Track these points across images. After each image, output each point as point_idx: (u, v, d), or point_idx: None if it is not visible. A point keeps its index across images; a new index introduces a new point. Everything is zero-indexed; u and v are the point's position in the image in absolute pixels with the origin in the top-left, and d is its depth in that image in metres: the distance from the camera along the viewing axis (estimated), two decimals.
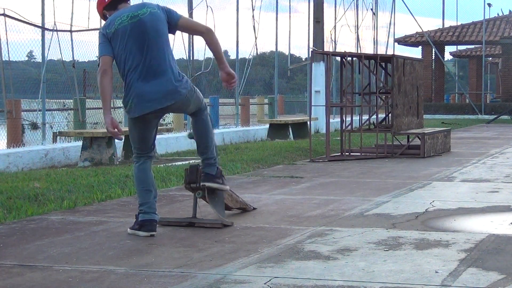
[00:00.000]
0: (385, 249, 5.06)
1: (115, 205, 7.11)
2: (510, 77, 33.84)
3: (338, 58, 14.01)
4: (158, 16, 5.58)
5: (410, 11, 30.68)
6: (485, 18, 34.80)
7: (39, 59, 13.38)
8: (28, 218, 6.38)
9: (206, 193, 5.90)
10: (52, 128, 15.12)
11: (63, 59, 13.76)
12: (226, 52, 28.12)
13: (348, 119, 13.27)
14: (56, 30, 13.19)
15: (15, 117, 13.20)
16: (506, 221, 6.26)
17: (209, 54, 17.24)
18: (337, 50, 22.56)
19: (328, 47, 22.58)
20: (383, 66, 13.65)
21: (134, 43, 5.52)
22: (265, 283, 4.18)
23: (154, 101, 5.53)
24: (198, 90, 5.80)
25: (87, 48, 15.09)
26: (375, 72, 12.98)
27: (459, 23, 37.60)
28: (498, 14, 38.67)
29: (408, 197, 7.65)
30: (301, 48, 25.79)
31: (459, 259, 4.77)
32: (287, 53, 22.97)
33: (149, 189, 5.66)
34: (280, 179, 9.22)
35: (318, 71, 19.45)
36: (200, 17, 16.73)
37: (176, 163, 10.73)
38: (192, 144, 14.31)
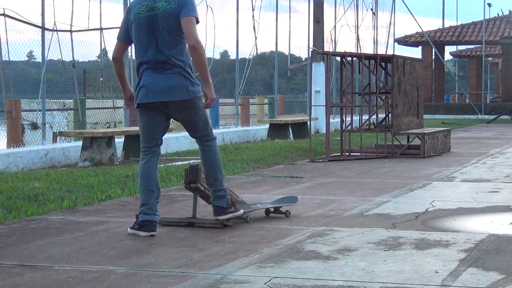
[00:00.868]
0: (385, 249, 5.06)
1: (115, 205, 7.11)
2: (510, 77, 33.85)
3: (338, 58, 14.02)
4: (172, 12, 5.63)
5: (410, 11, 30.71)
6: (485, 18, 34.81)
7: (39, 59, 13.38)
8: (28, 218, 6.38)
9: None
10: (52, 128, 15.12)
11: (63, 59, 13.76)
12: (226, 52, 28.13)
13: (348, 119, 13.27)
14: (56, 30, 13.19)
15: (15, 117, 13.20)
16: (506, 221, 6.26)
17: (209, 54, 17.25)
18: (337, 50, 22.56)
19: (328, 47, 22.59)
20: (383, 66, 13.65)
21: (146, 36, 5.65)
22: (265, 283, 4.18)
23: (158, 92, 5.61)
24: (208, 115, 5.86)
25: (87, 48, 15.10)
26: (375, 72, 12.98)
27: (459, 23, 37.63)
28: (498, 14, 38.68)
29: (408, 197, 7.65)
30: (301, 48, 25.78)
31: (459, 259, 4.77)
32: (287, 53, 22.98)
33: (152, 189, 5.67)
34: (280, 179, 9.22)
35: (318, 71, 19.45)
36: (200, 17, 16.71)
37: (176, 163, 10.73)
38: (192, 144, 14.32)
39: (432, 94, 35.49)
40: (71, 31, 13.82)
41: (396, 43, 31.69)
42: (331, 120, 14.01)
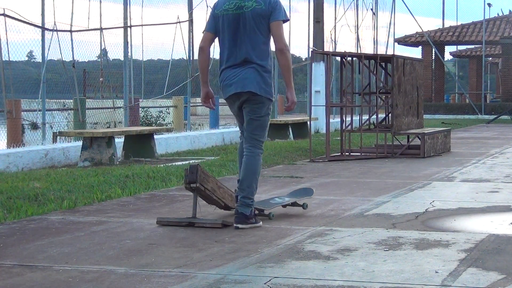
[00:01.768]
0: (385, 249, 5.06)
1: (115, 205, 7.11)
2: (510, 77, 33.84)
3: (338, 58, 14.01)
4: (261, 12, 5.80)
5: (410, 11, 30.69)
6: (485, 18, 34.81)
7: (39, 59, 13.39)
8: (28, 218, 6.38)
9: None
10: (52, 128, 15.13)
11: (63, 59, 13.76)
12: None
13: (348, 119, 13.27)
14: (56, 30, 13.19)
15: (15, 117, 13.20)
16: (506, 221, 6.26)
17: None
18: (337, 50, 22.56)
19: (328, 47, 22.58)
20: (383, 66, 13.65)
21: (231, 34, 5.86)
22: (265, 283, 4.18)
23: (234, 85, 5.88)
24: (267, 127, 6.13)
25: (87, 48, 15.11)
26: (375, 72, 12.98)
27: (459, 23, 37.62)
28: (498, 14, 38.67)
29: (408, 197, 7.65)
30: (301, 48, 25.80)
31: (459, 259, 4.77)
32: None
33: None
34: (280, 179, 9.22)
35: (318, 71, 19.45)
36: (200, 17, 16.73)
37: (176, 163, 10.72)
38: (192, 144, 14.32)
39: (432, 94, 35.48)
40: (71, 31, 13.82)
41: (396, 43, 31.70)
42: (331, 120, 14.01)
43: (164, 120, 21.58)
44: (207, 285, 4.17)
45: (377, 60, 13.12)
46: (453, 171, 10.20)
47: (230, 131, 16.87)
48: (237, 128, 17.83)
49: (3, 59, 12.21)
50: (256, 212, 6.05)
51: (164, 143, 13.44)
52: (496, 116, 29.07)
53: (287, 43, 6.08)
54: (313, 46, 20.35)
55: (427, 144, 12.47)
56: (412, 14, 31.15)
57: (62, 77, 15.96)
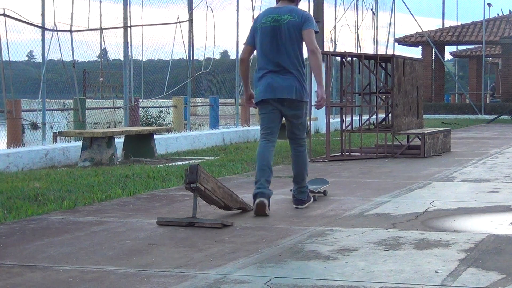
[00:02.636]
0: (385, 249, 5.06)
1: (115, 205, 7.11)
2: (510, 77, 33.85)
3: (338, 58, 14.01)
4: (296, 24, 6.56)
5: (410, 11, 30.71)
6: (485, 18, 34.81)
7: (39, 59, 13.37)
8: (28, 218, 6.38)
9: None
10: (52, 128, 15.13)
11: (63, 59, 13.76)
12: (226, 52, 28.12)
13: (348, 119, 13.26)
14: (56, 30, 13.19)
15: (15, 117, 13.20)
16: (506, 221, 6.26)
17: (209, 54, 17.25)
18: (337, 50, 22.56)
19: (328, 47, 22.58)
20: (383, 66, 13.65)
21: (269, 43, 6.59)
22: (265, 283, 4.18)
23: (277, 90, 6.55)
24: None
25: (87, 48, 15.10)
26: (375, 72, 12.98)
27: (459, 23, 37.61)
28: (498, 14, 38.66)
29: (408, 197, 7.65)
30: None
31: (459, 259, 4.77)
32: None
33: (264, 169, 6.52)
34: (280, 179, 9.21)
35: None
36: (200, 17, 16.73)
37: (176, 163, 10.73)
38: (192, 144, 14.33)
39: (432, 94, 35.49)
40: (71, 31, 13.82)
41: (396, 43, 31.70)
42: (331, 120, 14.01)
43: (164, 120, 21.57)
44: (207, 285, 4.17)
45: (377, 60, 13.12)
46: (453, 171, 10.20)
47: (230, 131, 16.87)
48: (237, 128, 17.96)
49: (3, 59, 12.21)
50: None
51: (164, 143, 13.44)
52: (496, 116, 29.07)
53: (317, 46, 6.61)
54: None
55: (427, 144, 12.48)
56: (412, 14, 31.19)
57: (62, 77, 15.96)
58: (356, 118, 15.26)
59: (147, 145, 12.01)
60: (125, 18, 14.03)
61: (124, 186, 8.15)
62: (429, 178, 9.40)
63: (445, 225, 6.03)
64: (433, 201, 7.29)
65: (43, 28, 12.50)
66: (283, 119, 6.74)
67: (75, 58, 14.08)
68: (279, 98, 6.56)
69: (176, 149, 13.68)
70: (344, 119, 12.87)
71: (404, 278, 4.30)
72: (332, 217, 6.42)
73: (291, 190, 7.04)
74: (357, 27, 26.06)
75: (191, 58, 16.35)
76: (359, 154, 12.47)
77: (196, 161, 11.23)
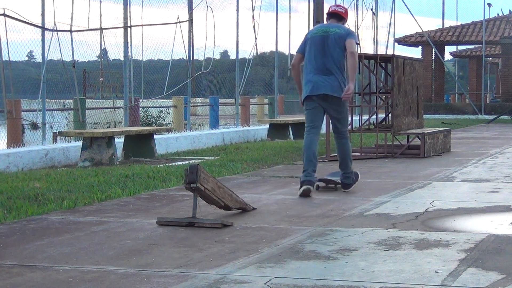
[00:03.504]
0: (385, 249, 5.06)
1: (115, 205, 7.11)
2: (510, 77, 33.83)
3: None
4: (341, 35, 7.81)
5: (410, 11, 30.69)
6: (485, 18, 34.78)
7: (39, 59, 13.38)
8: (28, 218, 6.38)
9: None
10: (52, 128, 15.13)
11: (63, 59, 13.76)
12: (226, 52, 28.13)
13: (348, 119, 13.24)
14: (56, 30, 13.19)
15: (15, 117, 13.20)
16: (506, 221, 6.26)
17: (209, 54, 17.25)
18: None
19: None
20: (383, 66, 13.65)
21: (318, 50, 7.82)
22: (265, 283, 4.18)
23: (321, 88, 7.74)
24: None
25: (87, 48, 15.10)
26: (375, 72, 12.97)
27: (459, 23, 37.58)
28: (498, 14, 38.64)
29: (408, 197, 7.66)
30: None
31: (459, 259, 4.77)
32: (287, 53, 22.96)
33: (311, 159, 7.68)
34: (280, 179, 9.22)
35: None
36: (200, 17, 16.73)
37: (176, 163, 10.73)
38: (192, 144, 14.33)
39: (432, 94, 35.47)
40: (71, 31, 13.81)
41: (396, 43, 31.70)
42: None
43: (164, 120, 21.58)
44: (207, 285, 4.18)
45: (377, 60, 13.12)
46: (453, 171, 10.20)
47: (230, 131, 16.87)
48: (237, 128, 17.98)
49: (3, 59, 12.21)
50: (323, 185, 8.17)
51: (164, 143, 13.44)
52: (496, 116, 29.06)
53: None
54: None
55: (427, 144, 12.47)
56: (412, 14, 31.17)
57: (62, 77, 15.96)
58: (356, 118, 15.27)
59: (147, 145, 12.01)
60: (125, 18, 14.03)
61: (124, 186, 8.15)
62: (429, 178, 9.40)
63: (445, 225, 6.03)
64: (433, 201, 7.29)
65: (43, 28, 12.50)
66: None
67: (75, 58, 14.08)
68: (321, 95, 7.73)
69: (176, 149, 13.68)
70: None
71: (404, 278, 4.30)
72: (332, 217, 6.42)
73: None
74: (357, 27, 26.06)
75: (191, 58, 16.35)
76: (359, 154, 12.46)
77: (196, 161, 11.23)
